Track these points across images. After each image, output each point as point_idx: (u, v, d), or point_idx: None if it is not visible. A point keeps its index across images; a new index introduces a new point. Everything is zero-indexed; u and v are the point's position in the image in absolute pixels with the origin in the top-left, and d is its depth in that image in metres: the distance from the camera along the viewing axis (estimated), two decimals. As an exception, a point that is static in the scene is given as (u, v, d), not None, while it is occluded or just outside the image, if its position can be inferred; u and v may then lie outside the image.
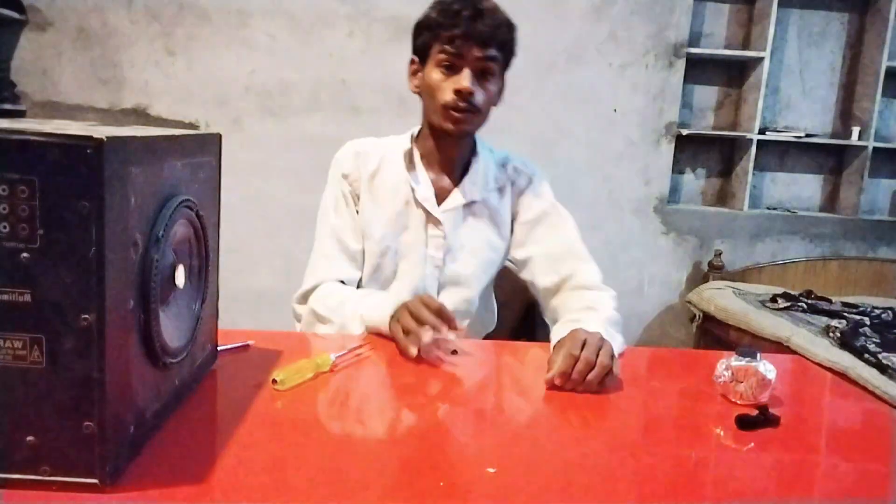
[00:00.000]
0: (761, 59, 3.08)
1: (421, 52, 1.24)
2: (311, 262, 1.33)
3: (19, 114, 2.94)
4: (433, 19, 1.20)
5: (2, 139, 0.56)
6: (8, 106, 2.87)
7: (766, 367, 0.94)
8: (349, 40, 3.01)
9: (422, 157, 1.31)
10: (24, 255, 0.58)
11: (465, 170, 1.32)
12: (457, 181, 1.32)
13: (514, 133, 3.09)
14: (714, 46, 3.24)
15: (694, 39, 3.20)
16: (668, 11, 3.09)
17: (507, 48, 1.24)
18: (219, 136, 0.93)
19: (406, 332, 1.06)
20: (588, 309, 1.18)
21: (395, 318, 1.10)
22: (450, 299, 1.31)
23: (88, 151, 0.57)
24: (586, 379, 0.94)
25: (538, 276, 1.32)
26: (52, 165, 0.57)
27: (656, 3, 3.08)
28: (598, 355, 0.96)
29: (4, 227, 0.57)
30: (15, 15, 2.86)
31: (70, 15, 2.95)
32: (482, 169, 1.33)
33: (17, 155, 0.56)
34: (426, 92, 1.24)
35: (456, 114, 1.20)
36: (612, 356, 0.98)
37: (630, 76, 3.13)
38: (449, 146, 1.29)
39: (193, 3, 2.96)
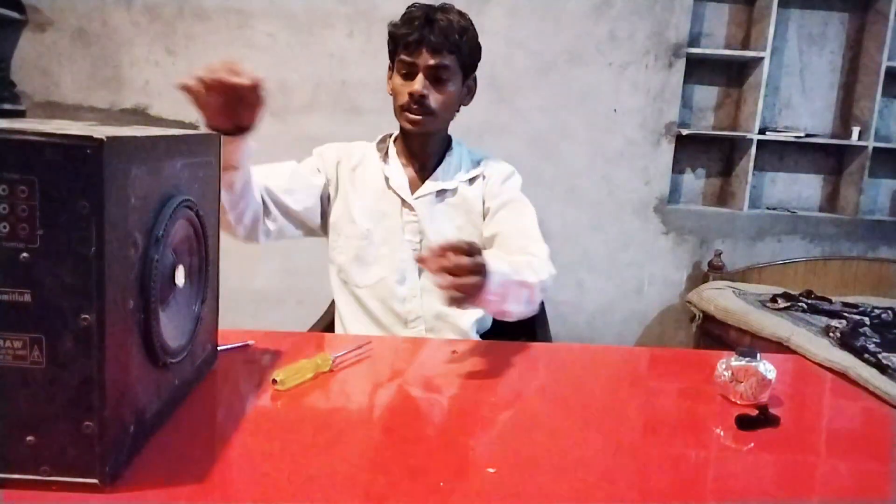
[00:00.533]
0: (761, 59, 3.08)
1: (391, 60, 1.38)
2: None
3: (19, 114, 2.94)
4: (393, 30, 1.33)
5: (2, 139, 0.56)
6: (8, 106, 2.87)
7: (766, 367, 0.94)
8: (349, 40, 3.01)
9: (397, 152, 1.43)
10: (24, 255, 0.58)
11: (439, 164, 1.43)
12: (430, 173, 1.42)
13: (514, 133, 3.09)
14: (714, 46, 3.24)
15: (694, 39, 3.20)
16: (668, 11, 3.09)
17: (461, 54, 1.32)
18: (219, 136, 0.93)
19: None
20: (508, 262, 1.17)
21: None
22: (429, 280, 1.34)
23: (88, 151, 0.57)
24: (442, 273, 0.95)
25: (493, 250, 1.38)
26: (52, 165, 0.57)
27: (656, 3, 3.08)
28: (468, 267, 0.96)
29: (4, 227, 0.57)
30: (15, 15, 2.86)
31: (70, 15, 2.95)
32: (455, 161, 1.43)
33: (17, 155, 0.56)
34: (392, 95, 1.37)
35: (411, 115, 1.32)
36: (475, 283, 0.97)
37: (630, 76, 3.13)
38: (418, 142, 1.41)
39: (193, 3, 2.96)
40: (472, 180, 1.43)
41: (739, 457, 0.82)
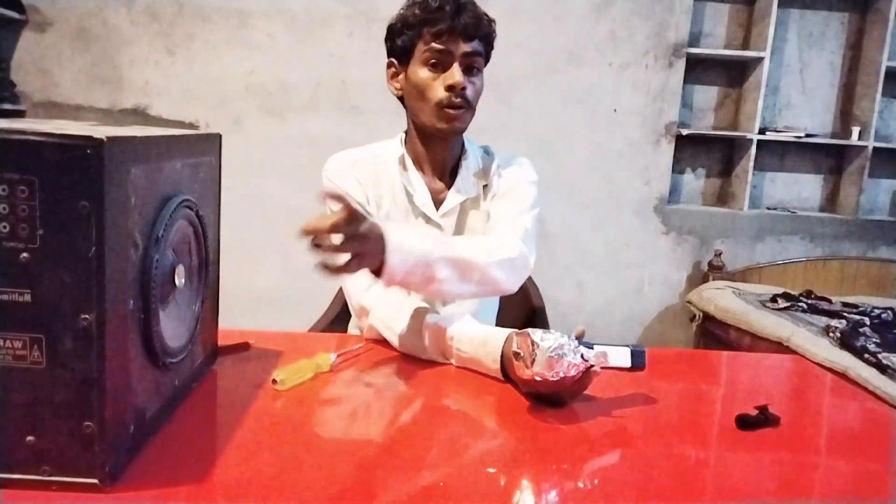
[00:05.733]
0: (761, 59, 3.08)
1: (401, 54, 1.22)
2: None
3: (19, 114, 2.94)
4: (415, 17, 1.18)
5: (2, 139, 0.56)
6: (8, 106, 2.87)
7: (549, 338, 0.86)
8: (349, 40, 3.01)
9: (414, 161, 1.28)
10: (24, 255, 0.58)
11: (454, 168, 1.30)
12: (449, 182, 1.29)
13: (514, 133, 3.09)
14: (714, 46, 3.24)
15: (694, 39, 3.20)
16: (668, 11, 3.09)
17: (489, 41, 1.22)
18: (219, 136, 0.93)
19: None
20: (435, 241, 1.07)
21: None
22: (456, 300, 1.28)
23: (88, 151, 0.57)
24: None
25: None
26: (52, 165, 0.57)
27: (656, 3, 3.08)
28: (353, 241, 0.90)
29: (4, 227, 0.57)
30: (15, 15, 2.86)
31: (70, 15, 2.95)
32: (472, 164, 1.30)
33: (17, 155, 0.56)
34: (413, 93, 1.21)
35: (450, 111, 1.18)
36: (364, 252, 0.92)
37: (630, 76, 3.13)
38: (441, 148, 1.27)
39: (193, 3, 2.97)
40: (485, 186, 1.31)
41: (739, 457, 0.82)
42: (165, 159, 0.73)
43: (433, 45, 1.16)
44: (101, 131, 0.58)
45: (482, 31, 1.18)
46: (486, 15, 1.21)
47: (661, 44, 3.11)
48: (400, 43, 1.21)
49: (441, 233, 1.19)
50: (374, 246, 0.95)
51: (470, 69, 1.19)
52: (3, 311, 0.58)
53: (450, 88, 1.16)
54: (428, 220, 1.26)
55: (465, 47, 1.17)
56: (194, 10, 2.97)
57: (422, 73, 1.19)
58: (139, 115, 3.02)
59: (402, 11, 1.21)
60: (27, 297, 0.58)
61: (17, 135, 0.56)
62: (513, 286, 1.18)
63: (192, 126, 3.04)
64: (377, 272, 0.97)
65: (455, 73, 1.16)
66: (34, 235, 0.58)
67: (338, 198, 0.90)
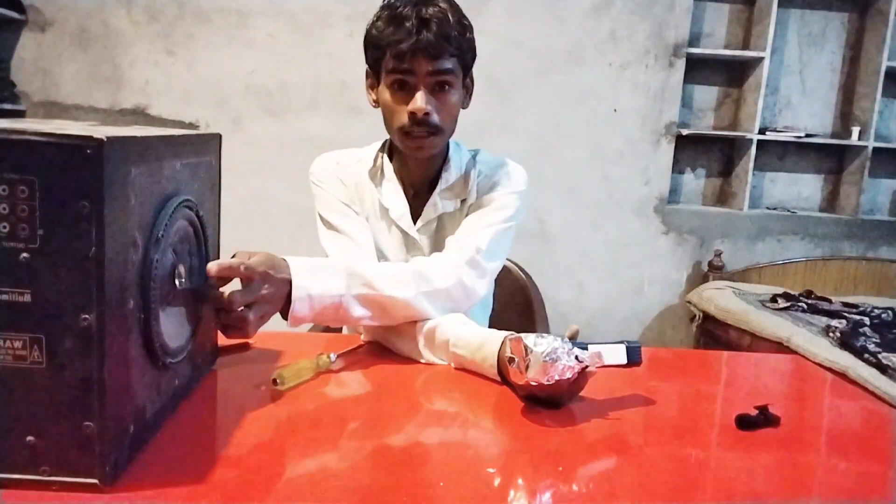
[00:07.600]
0: (761, 59, 3.08)
1: (373, 67, 1.16)
2: None
3: (19, 114, 2.94)
4: (377, 34, 1.10)
5: (2, 139, 0.56)
6: (8, 106, 2.87)
7: (543, 342, 0.85)
8: (349, 40, 3.01)
9: (394, 171, 1.24)
10: (24, 255, 0.58)
11: (436, 178, 1.24)
12: (429, 193, 1.24)
13: (514, 133, 3.09)
14: (714, 46, 3.24)
15: (694, 39, 3.20)
16: (668, 11, 3.09)
17: (462, 53, 1.12)
18: (219, 136, 0.93)
19: None
20: (351, 275, 1.03)
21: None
22: None
23: (88, 151, 0.57)
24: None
25: None
26: (52, 165, 0.57)
27: (656, 3, 3.08)
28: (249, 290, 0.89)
29: (4, 227, 0.57)
30: (15, 15, 2.86)
31: (70, 15, 2.95)
32: (454, 175, 1.23)
33: (17, 155, 0.56)
34: (383, 112, 1.16)
35: (414, 140, 1.13)
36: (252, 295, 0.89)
37: (630, 76, 3.13)
38: (416, 162, 1.22)
39: (193, 3, 2.97)
40: (464, 199, 1.24)
41: (739, 457, 0.82)
42: (165, 159, 0.73)
43: (395, 66, 1.09)
44: (101, 131, 0.58)
45: (451, 48, 1.08)
46: (459, 24, 1.10)
47: (661, 44, 3.11)
48: (370, 57, 1.15)
49: (360, 264, 1.08)
50: (275, 295, 0.94)
51: (440, 87, 1.11)
52: (3, 311, 0.58)
53: (411, 115, 1.10)
54: (405, 234, 1.23)
55: (430, 67, 1.08)
56: (194, 10, 2.97)
57: (386, 94, 1.13)
58: (139, 115, 3.02)
59: (371, 21, 1.13)
60: (27, 297, 0.58)
61: (17, 135, 0.56)
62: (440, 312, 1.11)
63: (192, 126, 3.04)
64: (283, 314, 0.98)
65: (417, 100, 1.09)
66: (34, 235, 0.58)
67: (233, 269, 0.88)
